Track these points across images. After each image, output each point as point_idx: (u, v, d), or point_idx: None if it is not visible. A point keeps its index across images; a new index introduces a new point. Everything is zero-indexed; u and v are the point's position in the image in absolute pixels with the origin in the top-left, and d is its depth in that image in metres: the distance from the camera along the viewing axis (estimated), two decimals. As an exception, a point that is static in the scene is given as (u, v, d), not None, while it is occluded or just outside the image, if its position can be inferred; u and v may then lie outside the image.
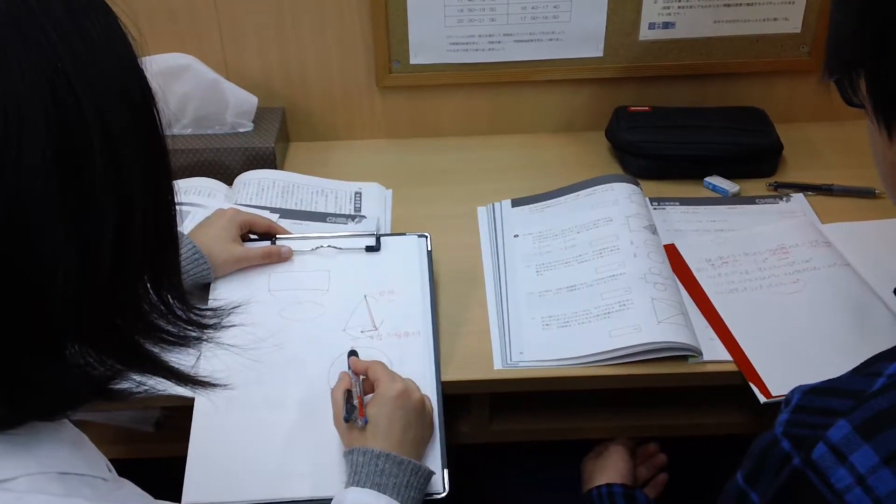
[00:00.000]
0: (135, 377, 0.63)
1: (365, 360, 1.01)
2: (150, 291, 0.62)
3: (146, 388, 0.64)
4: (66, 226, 0.53)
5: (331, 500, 0.91)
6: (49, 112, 0.51)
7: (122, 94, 0.56)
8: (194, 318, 0.67)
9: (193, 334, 0.67)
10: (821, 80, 0.70)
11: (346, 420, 0.94)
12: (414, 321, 1.08)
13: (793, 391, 0.61)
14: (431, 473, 0.93)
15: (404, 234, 1.20)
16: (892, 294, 1.07)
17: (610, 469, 1.10)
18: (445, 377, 1.03)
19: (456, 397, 1.07)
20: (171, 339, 0.65)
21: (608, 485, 1.07)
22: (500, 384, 1.04)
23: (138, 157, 0.57)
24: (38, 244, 0.52)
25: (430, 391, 1.01)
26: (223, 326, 0.71)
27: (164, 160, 0.61)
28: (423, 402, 0.96)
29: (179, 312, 0.65)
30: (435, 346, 1.06)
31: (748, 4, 1.40)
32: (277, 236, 1.17)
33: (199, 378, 0.70)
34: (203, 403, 1.00)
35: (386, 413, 0.92)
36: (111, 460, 0.72)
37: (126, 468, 1.04)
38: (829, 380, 0.60)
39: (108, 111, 0.54)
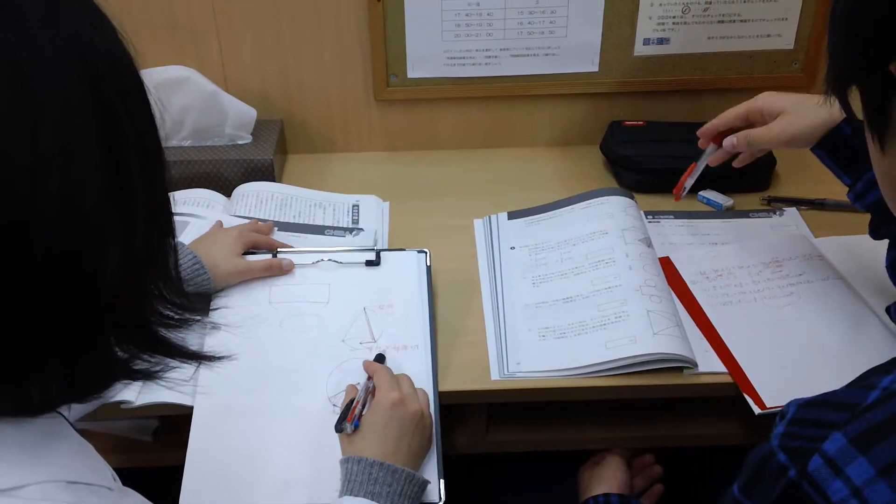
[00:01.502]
0: (149, 358, 0.65)
1: (376, 364, 1.03)
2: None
3: (162, 366, 0.66)
4: (117, 217, 0.55)
5: None
6: (95, 108, 0.52)
7: (139, 92, 0.58)
8: (186, 302, 0.69)
9: (188, 316, 0.69)
10: (824, 98, 0.71)
11: (337, 430, 0.95)
12: (412, 334, 1.09)
13: (788, 404, 0.62)
14: (426, 483, 0.93)
15: (404, 249, 1.21)
16: (885, 311, 1.08)
17: (607, 479, 1.10)
18: (443, 387, 1.04)
19: (453, 408, 1.07)
20: (171, 322, 0.66)
21: (605, 494, 1.07)
22: (497, 394, 1.04)
23: (155, 154, 0.59)
24: (95, 235, 0.53)
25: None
26: (212, 308, 0.72)
27: (162, 151, 0.63)
28: (420, 414, 0.96)
29: (174, 298, 0.67)
30: (433, 358, 1.07)
31: (742, 21, 1.42)
32: (279, 250, 1.19)
33: (205, 353, 0.72)
34: (202, 411, 1.00)
35: (380, 421, 0.93)
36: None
37: (124, 477, 1.04)
38: (825, 393, 0.60)
39: (133, 110, 0.56)
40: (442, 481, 0.97)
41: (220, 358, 0.74)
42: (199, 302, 0.71)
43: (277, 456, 0.98)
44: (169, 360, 0.67)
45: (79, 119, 0.51)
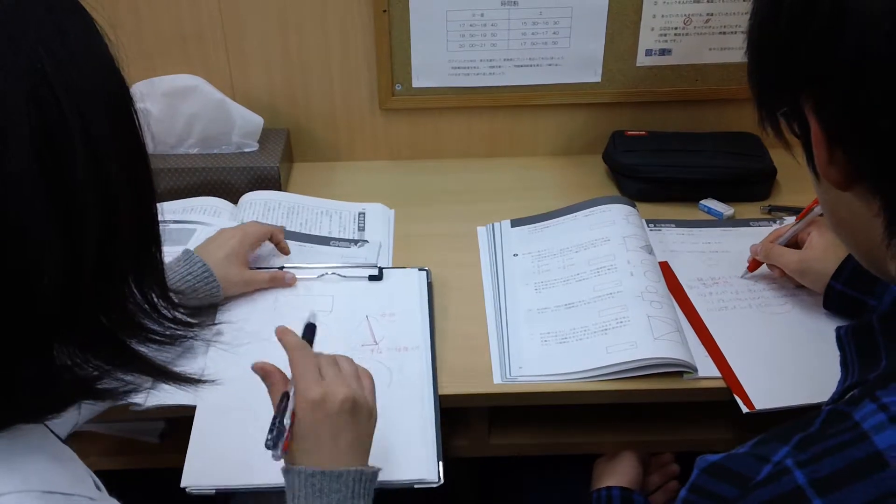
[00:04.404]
0: (122, 377, 0.63)
1: (292, 347, 0.89)
2: (135, 290, 0.62)
3: (133, 386, 0.64)
4: (52, 227, 0.53)
5: None
6: (31, 115, 0.51)
7: (102, 95, 0.56)
8: (179, 316, 0.67)
9: (180, 332, 0.67)
10: (760, 125, 0.68)
11: (267, 447, 0.81)
12: (412, 337, 1.12)
13: (697, 461, 0.61)
14: (377, 471, 0.85)
15: (405, 268, 1.24)
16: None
17: (617, 473, 1.11)
18: (445, 391, 1.05)
19: (455, 411, 1.09)
20: (159, 337, 0.65)
21: (608, 488, 1.08)
22: (499, 398, 1.06)
23: (120, 157, 0.57)
24: (25, 245, 0.52)
25: (427, 400, 1.04)
26: (208, 324, 0.70)
27: (143, 159, 0.61)
28: (348, 400, 0.83)
29: (164, 311, 0.66)
30: (433, 358, 1.09)
31: (743, 32, 1.41)
32: (285, 266, 1.22)
33: (187, 375, 0.70)
34: (205, 401, 1.02)
35: (309, 426, 0.82)
36: (114, 471, 0.72)
37: (130, 479, 1.05)
38: (727, 455, 0.59)
39: (88, 112, 0.54)
40: (441, 463, 0.98)
41: (204, 381, 0.71)
42: (194, 316, 0.69)
43: None
44: (144, 379, 0.65)
45: (11, 126, 0.50)
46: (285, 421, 0.82)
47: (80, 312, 0.57)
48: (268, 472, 0.95)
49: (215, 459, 0.98)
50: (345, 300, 1.18)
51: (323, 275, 1.21)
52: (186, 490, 0.95)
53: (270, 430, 0.81)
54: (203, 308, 1.11)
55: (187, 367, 0.70)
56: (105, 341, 0.61)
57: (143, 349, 0.64)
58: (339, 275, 1.21)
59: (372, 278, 1.21)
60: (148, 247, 0.63)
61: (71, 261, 0.54)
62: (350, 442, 0.83)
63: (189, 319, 0.69)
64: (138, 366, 0.64)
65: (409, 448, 0.99)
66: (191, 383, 0.71)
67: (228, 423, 1.01)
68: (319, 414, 0.82)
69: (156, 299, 0.65)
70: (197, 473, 0.96)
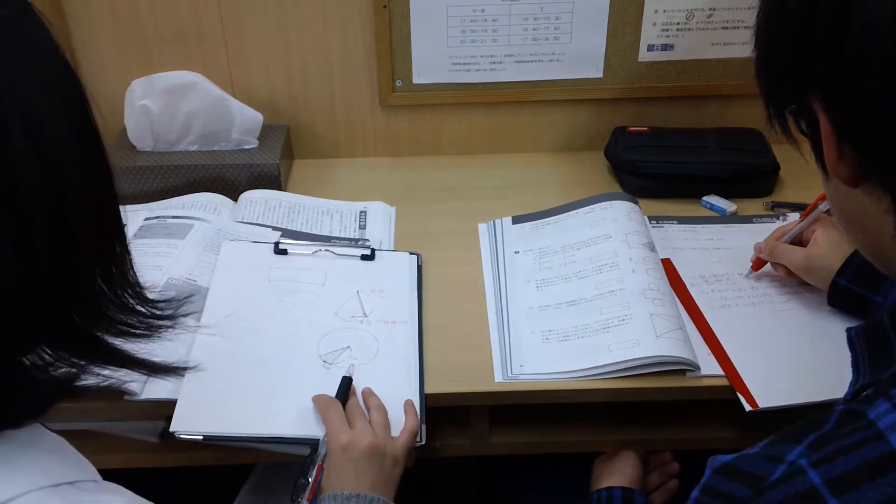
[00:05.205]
0: (100, 372, 0.62)
1: (324, 402, 1.00)
2: (102, 286, 0.60)
3: (113, 380, 0.64)
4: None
5: (310, 439, 0.97)
6: None
7: (43, 84, 0.53)
8: (149, 310, 0.65)
9: (157, 324, 0.65)
10: (768, 123, 0.67)
11: (292, 500, 0.93)
12: (401, 311, 1.15)
13: (709, 461, 0.60)
14: None
15: (396, 251, 1.27)
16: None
17: (618, 472, 1.10)
18: (446, 389, 1.05)
19: (456, 410, 1.08)
20: (135, 330, 0.63)
21: (608, 488, 1.07)
22: (500, 396, 1.05)
23: (69, 149, 0.54)
24: None
25: (413, 367, 1.07)
26: (179, 315, 0.68)
27: (97, 149, 0.58)
28: (372, 446, 0.93)
29: (136, 306, 0.64)
30: (419, 331, 1.12)
31: (745, 27, 1.43)
32: (281, 240, 1.23)
33: (166, 365, 0.69)
34: (199, 351, 1.05)
35: (335, 469, 0.93)
36: (114, 470, 0.71)
37: (129, 478, 1.05)
38: (739, 455, 0.59)
39: (27, 103, 0.51)
40: (424, 426, 1.02)
41: (188, 368, 0.71)
42: (170, 307, 0.67)
43: (268, 391, 1.03)
44: (123, 373, 0.64)
45: None
46: (310, 478, 0.94)
47: (42, 312, 0.55)
48: (256, 422, 1.00)
49: (205, 407, 1.00)
50: (337, 275, 1.21)
51: (317, 251, 1.24)
52: (175, 434, 0.97)
53: (294, 487, 0.94)
54: (185, 297, 1.10)
55: (172, 352, 0.68)
56: (77, 336, 0.60)
57: (120, 342, 0.63)
58: (332, 252, 1.24)
59: (364, 258, 1.23)
60: (110, 240, 0.61)
61: (24, 263, 0.52)
62: (372, 483, 0.91)
63: (164, 312, 0.66)
64: (115, 359, 0.63)
65: (395, 411, 1.01)
66: (171, 373, 0.70)
67: (220, 373, 1.03)
68: (346, 455, 0.92)
69: (124, 293, 0.63)
70: (186, 419, 0.98)
